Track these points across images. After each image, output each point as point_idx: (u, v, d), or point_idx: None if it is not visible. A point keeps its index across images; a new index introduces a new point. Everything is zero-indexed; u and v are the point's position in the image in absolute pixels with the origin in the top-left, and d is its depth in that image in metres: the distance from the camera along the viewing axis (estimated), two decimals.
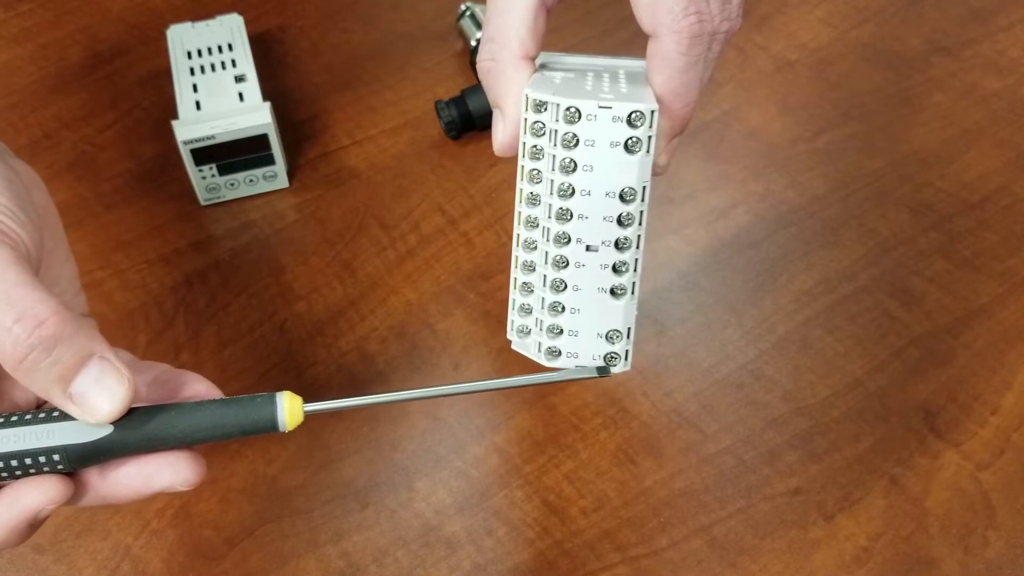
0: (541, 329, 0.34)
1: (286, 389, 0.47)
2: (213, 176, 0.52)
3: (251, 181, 0.53)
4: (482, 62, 0.35)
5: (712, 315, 0.49)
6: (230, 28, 0.56)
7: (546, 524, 0.42)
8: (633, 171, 0.32)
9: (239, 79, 0.53)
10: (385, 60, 0.61)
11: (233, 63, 0.54)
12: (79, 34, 0.62)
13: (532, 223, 0.34)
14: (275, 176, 0.54)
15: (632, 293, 0.34)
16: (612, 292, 0.33)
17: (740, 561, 0.41)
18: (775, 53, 0.60)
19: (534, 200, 0.33)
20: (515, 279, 0.35)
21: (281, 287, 0.50)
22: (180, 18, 0.56)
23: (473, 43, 0.58)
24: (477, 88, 0.55)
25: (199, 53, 0.55)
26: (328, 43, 0.62)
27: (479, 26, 0.58)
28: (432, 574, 0.41)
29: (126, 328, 0.49)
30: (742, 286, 0.50)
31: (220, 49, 0.55)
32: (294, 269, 0.51)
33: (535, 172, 0.33)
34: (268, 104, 0.51)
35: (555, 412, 0.46)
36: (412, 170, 0.55)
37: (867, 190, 0.53)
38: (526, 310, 0.35)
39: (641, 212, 0.32)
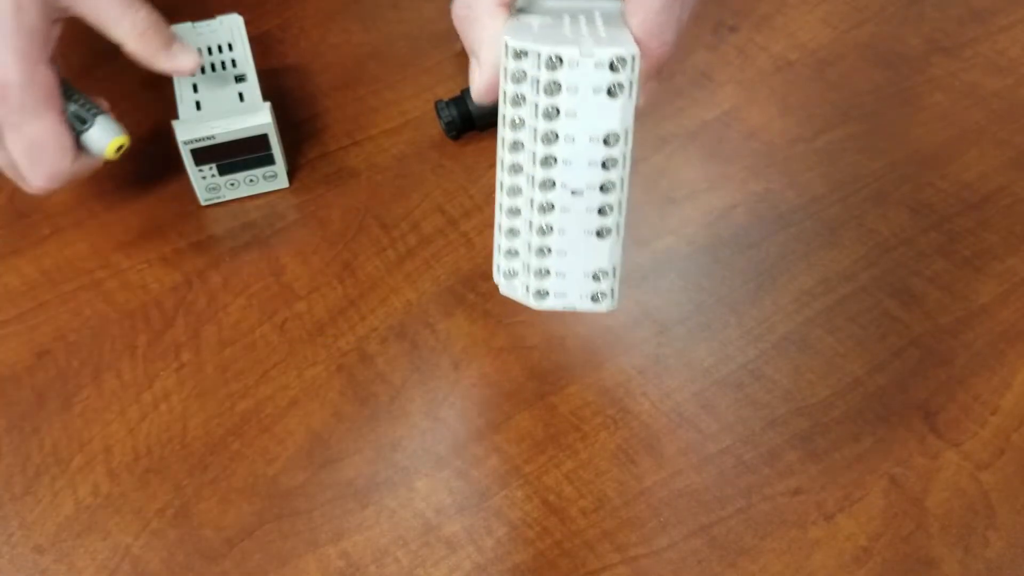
0: (528, 272, 0.35)
1: (286, 389, 0.47)
2: (213, 176, 0.52)
3: (251, 181, 0.53)
4: (457, 10, 0.36)
5: (712, 315, 0.49)
6: (230, 28, 0.56)
7: (546, 524, 0.43)
8: (616, 116, 0.33)
9: (239, 79, 0.53)
10: (385, 60, 0.61)
11: (233, 63, 0.54)
12: (80, 34, 0.62)
13: (516, 169, 0.34)
14: (275, 176, 0.54)
15: (618, 233, 0.34)
16: (598, 233, 0.34)
17: (740, 561, 0.41)
18: (775, 53, 0.60)
19: (517, 147, 0.33)
20: (500, 224, 0.35)
21: (281, 287, 0.51)
22: (180, 18, 0.56)
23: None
24: None
25: (199, 53, 0.55)
26: (328, 43, 0.62)
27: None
28: (432, 574, 0.41)
29: (126, 328, 0.49)
30: (742, 286, 0.50)
31: (220, 49, 0.55)
32: (294, 269, 0.51)
33: (517, 119, 0.33)
34: (268, 104, 0.51)
35: (555, 412, 0.46)
36: (412, 170, 0.55)
37: (867, 190, 0.53)
38: (512, 254, 0.36)
39: (624, 155, 0.33)
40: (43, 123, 0.44)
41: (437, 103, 0.56)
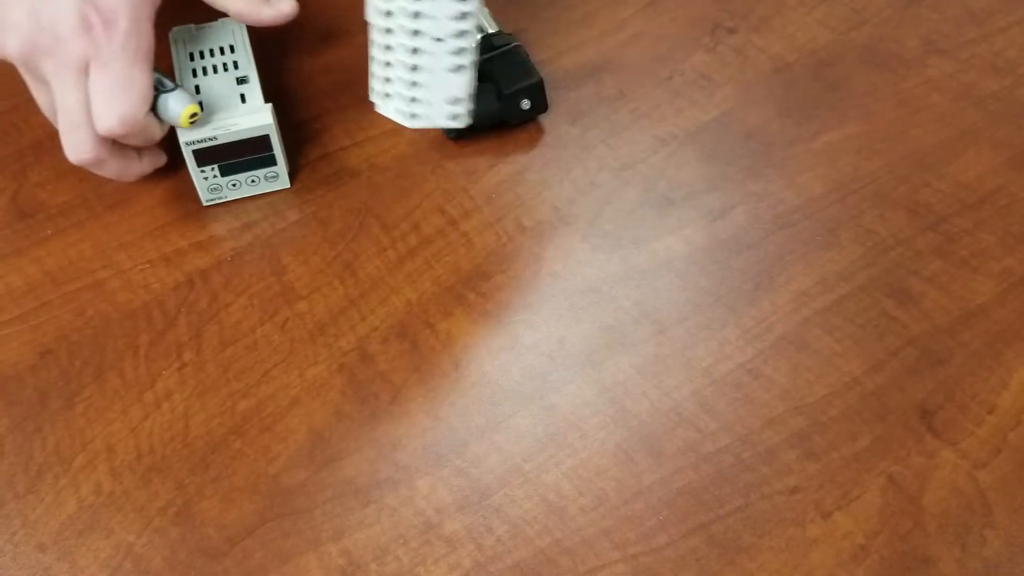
0: (402, 99, 0.46)
1: (288, 388, 0.47)
2: (215, 176, 0.52)
3: (253, 182, 0.53)
4: None
5: (710, 315, 0.49)
6: (232, 30, 0.56)
7: (546, 522, 0.43)
8: None
9: (241, 81, 0.53)
10: None
11: (235, 65, 0.54)
12: None
13: (390, 15, 0.44)
14: (276, 177, 0.54)
15: (470, 69, 0.45)
16: (455, 70, 0.45)
17: (738, 559, 0.41)
18: (773, 54, 0.60)
19: (388, 6, 0.43)
20: (374, 57, 0.46)
21: (283, 287, 0.51)
22: (183, 20, 0.57)
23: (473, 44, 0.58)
24: (478, 89, 0.55)
25: (201, 55, 0.55)
26: (329, 44, 0.62)
27: (480, 28, 0.58)
28: (432, 572, 0.42)
29: (128, 327, 0.49)
30: (740, 286, 0.50)
31: (222, 51, 0.55)
32: (295, 269, 0.51)
33: None
34: (270, 105, 0.52)
35: (555, 411, 0.46)
36: (412, 171, 0.56)
37: (865, 191, 0.54)
38: (387, 81, 0.46)
39: (476, 8, 0.44)
40: (135, 67, 0.47)
41: None
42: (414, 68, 0.45)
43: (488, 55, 0.56)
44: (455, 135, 0.56)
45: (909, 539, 0.42)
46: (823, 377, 0.47)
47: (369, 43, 0.45)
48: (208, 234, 0.53)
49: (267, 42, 0.62)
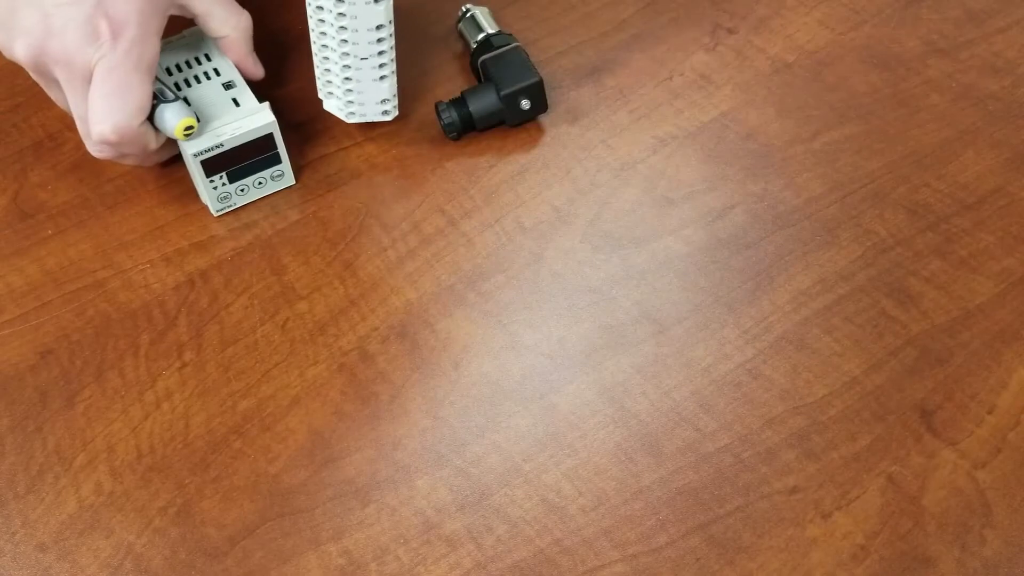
0: (341, 100, 0.54)
1: (288, 388, 0.47)
2: (224, 185, 0.52)
3: (260, 184, 0.53)
4: None
5: (710, 315, 0.49)
6: (202, 39, 0.55)
7: (545, 522, 0.43)
8: (383, 14, 0.50)
9: (228, 86, 0.53)
10: None
11: (217, 72, 0.54)
12: None
13: (323, 35, 0.51)
14: (282, 175, 0.54)
15: (392, 76, 0.53)
16: (380, 78, 0.53)
17: (738, 559, 0.42)
18: (773, 55, 0.60)
19: (323, 27, 0.50)
20: (317, 66, 0.53)
21: (283, 287, 0.51)
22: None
23: (474, 45, 0.58)
24: (477, 90, 0.55)
25: (179, 68, 0.54)
26: None
27: (480, 28, 0.58)
28: (432, 572, 0.42)
29: (129, 327, 0.49)
30: (740, 286, 0.50)
31: (199, 61, 0.54)
32: (296, 269, 0.52)
33: (319, 19, 0.50)
34: (267, 104, 0.52)
35: (554, 411, 0.46)
36: (413, 171, 0.56)
37: (864, 191, 0.54)
38: (328, 83, 0.54)
39: (391, 35, 0.51)
40: (135, 76, 0.47)
41: (437, 104, 0.56)
42: (347, 79, 0.52)
43: (488, 55, 0.56)
44: (455, 135, 0.56)
45: (909, 539, 0.42)
46: (822, 377, 0.47)
47: (312, 48, 0.53)
48: (208, 234, 0.53)
49: (267, 41, 0.62)
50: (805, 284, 0.50)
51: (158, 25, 0.48)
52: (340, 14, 0.49)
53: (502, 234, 0.53)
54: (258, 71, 0.55)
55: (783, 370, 0.47)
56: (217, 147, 0.50)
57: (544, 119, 0.58)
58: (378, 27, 0.50)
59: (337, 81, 0.53)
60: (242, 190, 0.53)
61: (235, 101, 0.52)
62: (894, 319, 0.49)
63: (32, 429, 0.46)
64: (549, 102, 0.57)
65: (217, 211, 0.54)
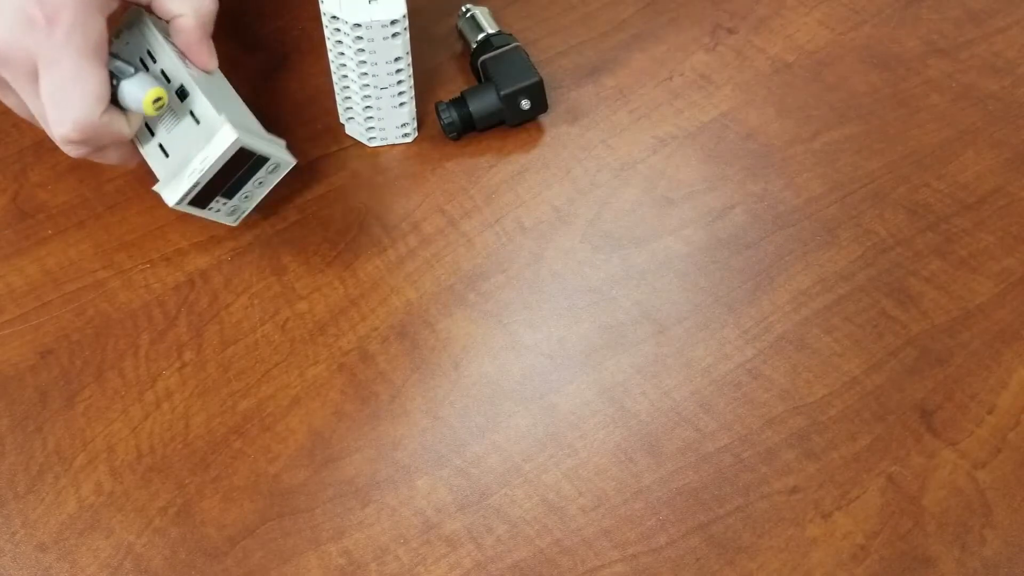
0: (361, 125, 0.55)
1: (288, 388, 0.47)
2: (225, 203, 0.50)
3: (260, 184, 0.51)
4: None
5: (710, 315, 0.49)
6: (142, 34, 0.49)
7: (545, 522, 0.43)
8: (400, 47, 0.51)
9: (182, 95, 0.47)
10: None
11: (165, 76, 0.48)
12: None
13: (343, 67, 0.52)
14: (277, 166, 0.50)
15: (411, 101, 0.54)
16: (400, 105, 0.54)
17: (738, 559, 0.42)
18: (773, 55, 0.60)
19: (343, 63, 0.52)
20: (338, 93, 0.54)
21: (283, 287, 0.51)
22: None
23: (474, 45, 0.58)
24: (477, 89, 0.55)
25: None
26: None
27: (480, 28, 0.58)
28: (432, 572, 0.42)
29: (129, 327, 0.49)
30: (740, 286, 0.50)
31: (144, 64, 0.48)
32: (296, 269, 0.52)
33: (340, 51, 0.52)
34: (223, 116, 0.46)
35: (554, 411, 0.46)
36: (413, 171, 0.56)
37: (864, 191, 0.54)
38: (349, 109, 0.55)
39: (408, 64, 0.52)
40: (84, 63, 0.42)
41: (437, 104, 0.56)
42: (368, 107, 0.54)
43: (488, 55, 0.56)
44: (455, 135, 0.56)
45: (909, 539, 0.42)
46: (822, 377, 0.47)
47: (332, 75, 0.54)
48: (208, 234, 0.53)
49: (268, 41, 0.62)
50: (805, 284, 0.50)
51: (101, 5, 0.43)
52: (360, 49, 0.50)
53: (502, 234, 0.53)
54: (211, 63, 0.49)
55: (783, 370, 0.47)
56: (194, 187, 0.46)
57: (544, 119, 0.58)
58: (396, 59, 0.51)
59: (358, 108, 0.54)
60: (246, 196, 0.51)
61: (193, 116, 0.47)
62: (894, 319, 0.49)
63: (32, 429, 0.46)
64: (549, 102, 0.57)
65: (235, 223, 0.52)
